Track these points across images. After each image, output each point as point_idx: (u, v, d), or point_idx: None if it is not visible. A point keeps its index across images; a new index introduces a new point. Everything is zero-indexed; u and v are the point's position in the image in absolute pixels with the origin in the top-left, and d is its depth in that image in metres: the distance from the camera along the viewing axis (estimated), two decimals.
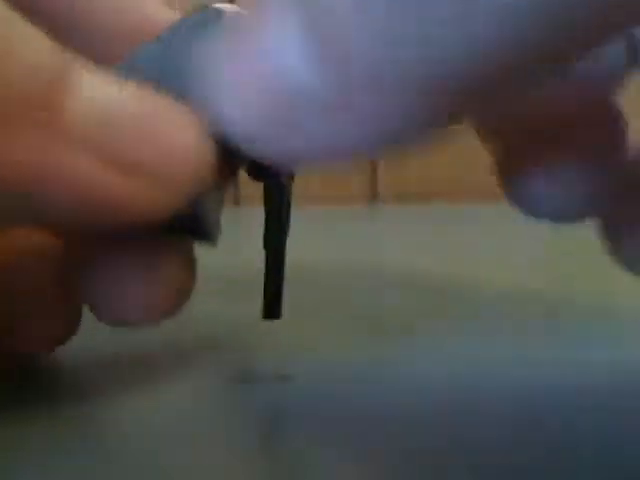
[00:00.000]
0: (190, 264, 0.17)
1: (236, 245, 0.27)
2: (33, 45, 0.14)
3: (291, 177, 0.19)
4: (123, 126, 0.14)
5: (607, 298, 0.28)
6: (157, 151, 0.15)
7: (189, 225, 0.16)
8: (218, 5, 0.17)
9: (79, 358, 0.20)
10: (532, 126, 0.18)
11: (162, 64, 0.16)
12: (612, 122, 0.18)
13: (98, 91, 0.14)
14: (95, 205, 0.14)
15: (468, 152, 0.52)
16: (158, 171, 0.15)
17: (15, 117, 0.13)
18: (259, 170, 0.17)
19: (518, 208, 0.19)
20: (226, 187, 0.17)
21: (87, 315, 0.17)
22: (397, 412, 0.18)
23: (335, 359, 0.21)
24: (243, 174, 0.17)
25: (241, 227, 0.40)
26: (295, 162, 0.15)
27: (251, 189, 0.19)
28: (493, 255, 0.37)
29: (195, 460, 0.16)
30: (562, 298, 0.28)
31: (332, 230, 0.41)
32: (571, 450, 0.16)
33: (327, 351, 0.22)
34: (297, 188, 0.19)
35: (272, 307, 0.19)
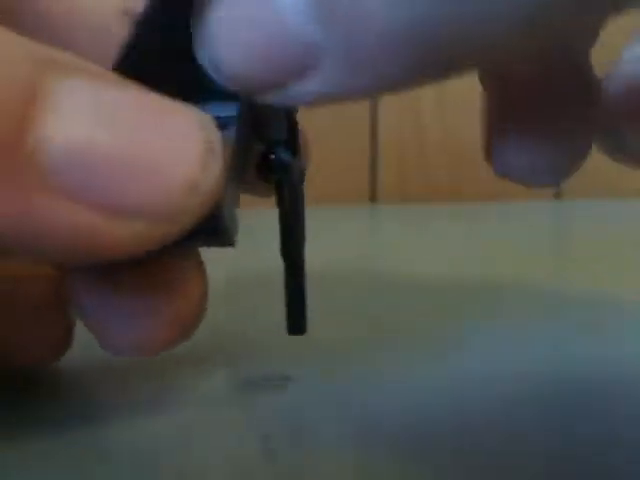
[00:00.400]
0: (197, 291, 0.16)
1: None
2: None
3: (302, 176, 0.18)
4: (104, 163, 0.13)
5: (610, 293, 0.28)
6: (149, 189, 0.13)
7: (205, 227, 0.15)
8: None
9: (80, 359, 0.20)
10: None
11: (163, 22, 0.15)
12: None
13: (74, 120, 0.13)
14: (83, 248, 0.13)
15: (468, 152, 0.52)
16: (152, 211, 0.13)
17: None
18: (269, 168, 0.17)
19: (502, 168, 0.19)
20: (242, 182, 0.17)
21: None
22: (397, 412, 0.18)
23: (336, 359, 0.21)
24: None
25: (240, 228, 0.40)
26: (291, 104, 0.14)
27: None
28: (493, 255, 0.37)
29: (197, 460, 0.16)
30: (562, 297, 0.28)
31: (332, 230, 0.41)
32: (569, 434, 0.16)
33: (328, 352, 0.22)
34: None
35: (297, 322, 0.19)
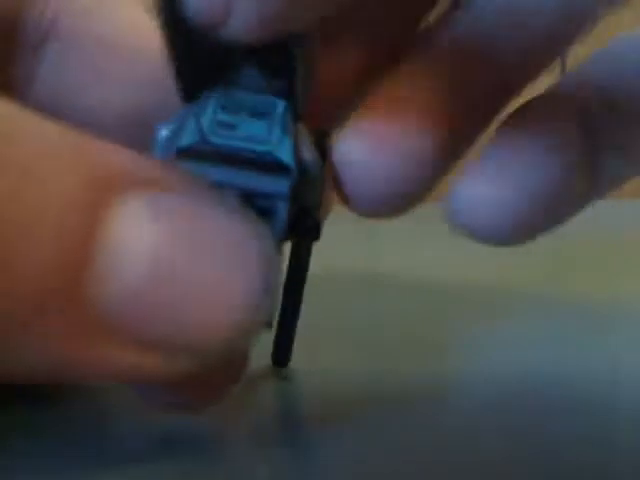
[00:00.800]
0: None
1: None
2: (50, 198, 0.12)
3: (319, 234, 0.18)
4: (143, 300, 0.12)
5: (610, 295, 0.28)
6: (189, 324, 0.13)
7: (293, 223, 0.16)
8: None
9: None
10: None
11: None
12: None
13: (133, 256, 0.12)
14: (129, 379, 0.13)
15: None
16: (191, 347, 0.13)
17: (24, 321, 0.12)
18: (297, 231, 0.17)
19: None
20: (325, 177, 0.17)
21: None
22: (397, 412, 0.18)
23: (335, 359, 0.21)
24: None
25: None
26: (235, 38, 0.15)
27: None
28: (493, 255, 0.37)
29: (195, 460, 0.16)
30: (562, 297, 0.28)
31: (332, 230, 0.41)
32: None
33: (327, 351, 0.22)
34: None
35: (283, 355, 0.19)
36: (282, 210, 0.16)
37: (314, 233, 0.18)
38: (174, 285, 0.12)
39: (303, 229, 0.17)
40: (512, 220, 0.15)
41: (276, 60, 0.17)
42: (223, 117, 0.17)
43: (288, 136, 0.16)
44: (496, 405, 0.18)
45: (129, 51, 0.19)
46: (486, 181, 0.16)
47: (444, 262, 0.35)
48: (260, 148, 0.16)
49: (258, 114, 0.17)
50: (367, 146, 0.17)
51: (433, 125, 0.16)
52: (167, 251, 0.12)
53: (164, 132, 0.17)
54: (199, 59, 0.17)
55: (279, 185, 0.16)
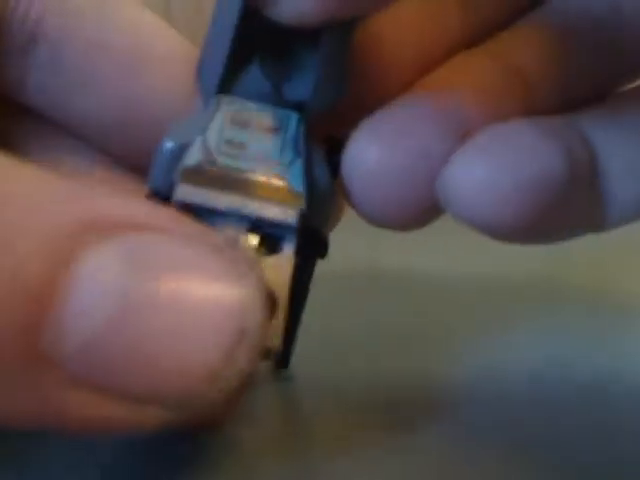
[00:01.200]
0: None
1: None
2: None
3: (325, 249, 0.18)
4: (123, 353, 0.12)
5: (611, 292, 0.28)
6: (166, 377, 0.12)
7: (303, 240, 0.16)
8: None
9: None
10: None
11: None
12: None
13: (95, 303, 0.11)
14: (91, 430, 0.12)
15: None
16: (168, 399, 0.12)
17: None
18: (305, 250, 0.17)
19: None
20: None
21: None
22: (397, 411, 0.18)
23: (335, 359, 0.21)
24: None
25: None
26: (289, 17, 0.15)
27: None
28: (493, 255, 0.37)
29: (195, 460, 0.16)
30: (562, 296, 0.28)
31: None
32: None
33: (327, 351, 0.22)
34: None
35: (284, 358, 0.19)
36: (290, 239, 0.16)
37: (322, 252, 0.17)
38: (137, 336, 0.12)
39: (310, 248, 0.17)
40: (506, 205, 0.15)
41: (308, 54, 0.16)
42: (232, 134, 0.16)
43: (300, 157, 0.16)
44: (498, 405, 0.18)
45: (128, 52, 0.19)
46: (481, 163, 0.15)
47: (444, 262, 0.35)
48: (270, 171, 0.16)
49: (269, 129, 0.16)
50: (380, 146, 0.16)
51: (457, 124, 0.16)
52: (132, 300, 0.12)
53: (169, 145, 0.16)
54: (238, 45, 0.16)
55: (288, 214, 0.16)
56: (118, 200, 0.12)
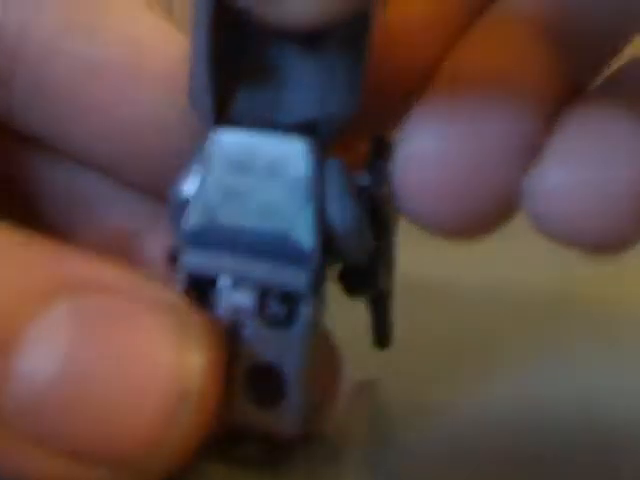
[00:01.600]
0: None
1: None
2: None
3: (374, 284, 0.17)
4: (63, 410, 0.12)
5: (609, 300, 0.28)
6: (110, 439, 0.12)
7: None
8: None
9: None
10: None
11: None
12: None
13: (40, 360, 0.11)
14: None
15: None
16: (113, 460, 0.12)
17: None
18: (354, 282, 0.16)
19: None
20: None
21: None
22: (397, 411, 0.18)
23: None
24: None
25: None
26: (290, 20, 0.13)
27: None
28: (493, 255, 0.37)
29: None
30: (561, 298, 0.28)
31: None
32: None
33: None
34: None
35: (385, 337, 0.18)
36: (307, 303, 0.14)
37: (368, 288, 0.16)
38: (77, 398, 0.12)
39: (353, 288, 0.16)
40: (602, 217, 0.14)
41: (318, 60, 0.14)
42: (231, 181, 0.14)
43: (310, 201, 0.14)
44: (501, 405, 0.18)
45: (123, 72, 0.17)
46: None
47: (444, 262, 0.35)
48: (275, 227, 0.14)
49: (273, 170, 0.14)
50: (447, 142, 0.14)
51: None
52: (75, 363, 0.12)
53: (178, 196, 0.15)
54: (225, 63, 0.14)
55: (298, 278, 0.14)
56: (88, 261, 0.12)
